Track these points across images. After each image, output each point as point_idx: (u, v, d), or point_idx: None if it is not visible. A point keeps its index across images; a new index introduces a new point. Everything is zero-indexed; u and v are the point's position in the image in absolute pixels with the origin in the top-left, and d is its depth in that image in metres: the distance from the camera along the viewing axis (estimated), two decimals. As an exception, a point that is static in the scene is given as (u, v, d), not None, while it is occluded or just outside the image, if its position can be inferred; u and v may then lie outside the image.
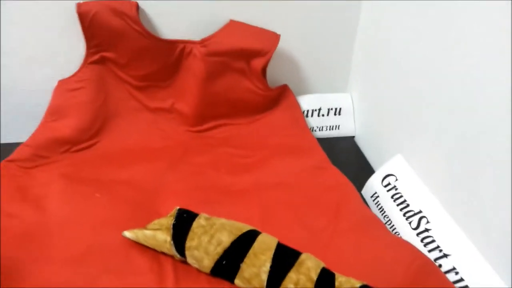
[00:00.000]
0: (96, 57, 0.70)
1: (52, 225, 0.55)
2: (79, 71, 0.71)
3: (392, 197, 0.58)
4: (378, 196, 0.60)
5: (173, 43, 0.71)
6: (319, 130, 0.79)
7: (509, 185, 0.41)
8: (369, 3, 0.71)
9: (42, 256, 0.50)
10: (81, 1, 0.66)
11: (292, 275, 0.45)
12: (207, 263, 0.48)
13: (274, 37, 0.71)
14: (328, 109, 0.79)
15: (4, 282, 0.47)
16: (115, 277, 0.49)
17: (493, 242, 0.44)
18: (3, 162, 0.64)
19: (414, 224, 0.53)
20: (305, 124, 0.76)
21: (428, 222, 0.52)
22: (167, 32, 0.72)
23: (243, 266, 0.46)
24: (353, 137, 0.81)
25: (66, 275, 0.48)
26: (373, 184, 0.62)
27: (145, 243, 0.51)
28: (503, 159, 0.41)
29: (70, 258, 0.51)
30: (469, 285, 0.44)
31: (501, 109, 0.41)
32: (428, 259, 0.48)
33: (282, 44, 0.72)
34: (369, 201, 0.63)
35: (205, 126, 0.76)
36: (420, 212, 0.53)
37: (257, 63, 0.71)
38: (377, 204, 0.60)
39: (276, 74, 0.78)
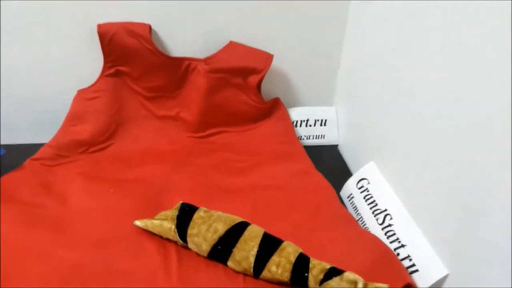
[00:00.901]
0: (112, 70, 0.80)
1: (74, 216, 0.64)
2: (96, 82, 0.80)
3: (364, 197, 0.67)
4: (353, 197, 0.70)
5: (180, 60, 0.80)
6: (307, 138, 0.89)
7: (454, 191, 0.50)
8: (353, 26, 0.81)
9: (67, 241, 0.59)
10: (102, 23, 0.76)
11: (275, 258, 0.54)
12: (205, 248, 0.57)
13: (268, 57, 0.80)
14: (315, 120, 0.89)
15: (33, 265, 0.55)
16: (129, 258, 0.57)
17: (440, 236, 0.53)
18: (28, 160, 0.73)
19: (380, 220, 0.62)
20: (294, 133, 0.85)
21: (391, 218, 0.61)
22: (175, 50, 0.82)
23: (235, 250, 0.56)
24: (337, 145, 0.90)
25: (90, 257, 0.57)
26: (349, 186, 0.72)
27: (153, 231, 0.60)
28: (450, 169, 0.51)
29: (91, 243, 0.59)
30: (419, 269, 0.54)
31: (468, 127, 0.47)
32: (388, 248, 0.57)
33: (275, 62, 0.82)
34: (346, 201, 0.72)
35: (206, 132, 0.85)
36: (385, 210, 0.62)
37: (253, 79, 0.80)
38: (352, 204, 0.70)
39: (269, 88, 0.88)
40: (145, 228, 0.61)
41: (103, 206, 0.66)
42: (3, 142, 0.70)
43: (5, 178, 0.68)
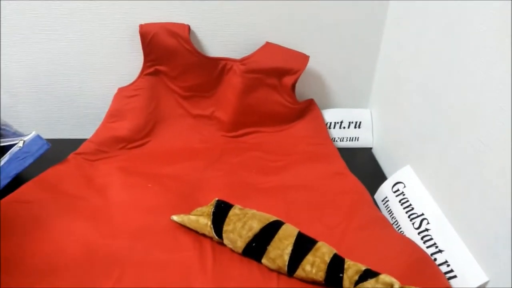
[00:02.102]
0: (151, 69, 0.82)
1: (113, 208, 0.66)
2: (136, 80, 0.83)
3: (399, 201, 0.66)
4: (388, 200, 0.69)
5: (216, 60, 0.82)
6: (340, 140, 0.88)
7: (492, 195, 0.49)
8: (391, 29, 0.80)
9: (107, 231, 0.62)
10: (143, 23, 0.78)
11: (309, 257, 0.54)
12: (240, 245, 0.58)
13: (304, 58, 0.81)
14: (349, 122, 0.88)
15: (75, 252, 0.58)
16: (165, 251, 0.59)
17: (480, 241, 0.52)
18: (72, 154, 0.76)
19: (416, 225, 0.61)
20: (327, 135, 0.85)
21: (428, 223, 0.60)
22: (212, 50, 0.84)
23: (269, 248, 0.56)
24: (371, 148, 0.89)
25: (127, 247, 0.59)
26: (384, 190, 0.71)
27: (189, 226, 0.62)
28: (491, 177, 0.50)
29: (128, 235, 0.61)
30: (457, 275, 0.52)
31: (504, 132, 0.47)
32: (425, 253, 0.56)
33: (310, 63, 0.82)
34: (380, 204, 0.71)
35: (240, 132, 0.86)
36: (422, 214, 0.61)
37: (288, 80, 0.81)
38: (386, 207, 0.69)
39: (304, 89, 0.88)
40: (181, 223, 0.62)
41: (141, 200, 0.68)
42: (47, 137, 0.73)
43: (51, 170, 0.71)
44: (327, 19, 0.81)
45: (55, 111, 0.87)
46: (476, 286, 0.50)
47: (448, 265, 0.54)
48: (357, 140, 0.88)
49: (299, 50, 0.82)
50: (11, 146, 0.70)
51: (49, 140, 0.73)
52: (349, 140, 0.88)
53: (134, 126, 0.82)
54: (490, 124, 0.50)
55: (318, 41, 0.83)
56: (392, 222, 0.66)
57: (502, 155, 0.48)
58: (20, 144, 0.70)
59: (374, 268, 0.53)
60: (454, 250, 0.54)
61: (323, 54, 0.85)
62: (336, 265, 0.53)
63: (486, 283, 0.49)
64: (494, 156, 0.49)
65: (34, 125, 0.87)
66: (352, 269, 0.53)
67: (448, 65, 0.59)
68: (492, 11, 0.50)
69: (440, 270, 0.54)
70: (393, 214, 0.67)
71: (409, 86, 0.73)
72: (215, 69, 0.82)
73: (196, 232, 0.62)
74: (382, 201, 0.71)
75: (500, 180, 0.48)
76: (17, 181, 0.68)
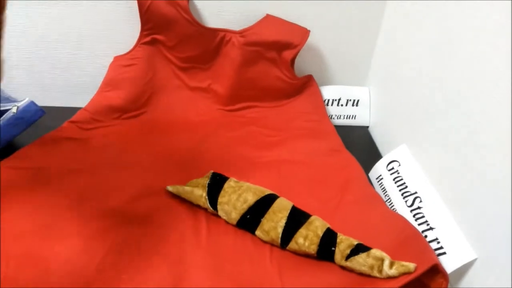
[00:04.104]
0: (148, 38, 0.80)
1: (109, 177, 0.66)
2: (132, 49, 0.81)
3: (394, 179, 0.67)
4: (382, 178, 0.70)
5: (215, 31, 0.80)
6: (337, 118, 0.88)
7: (484, 176, 0.50)
8: (392, 7, 0.79)
9: (104, 197, 0.62)
10: (141, -10, 0.76)
11: (302, 231, 0.55)
12: (234, 216, 0.58)
13: (304, 33, 0.79)
14: (347, 100, 0.88)
15: (68, 220, 0.58)
16: (159, 221, 0.59)
17: (470, 220, 0.53)
18: (66, 122, 0.75)
19: (409, 203, 0.62)
20: (325, 112, 0.85)
21: (421, 201, 0.61)
22: (212, 21, 0.82)
23: (264, 220, 0.57)
24: (367, 127, 0.89)
25: (121, 217, 0.59)
26: (379, 168, 0.71)
27: (184, 197, 0.62)
28: (489, 157, 0.50)
29: (123, 204, 0.62)
30: (446, 252, 0.53)
31: (499, 114, 0.48)
32: (416, 230, 0.57)
33: (310, 39, 0.81)
34: (375, 182, 0.72)
35: (237, 106, 0.85)
36: (415, 193, 0.62)
37: (287, 54, 0.80)
38: (380, 185, 0.69)
39: (303, 65, 0.87)
40: (176, 193, 0.63)
41: (135, 170, 0.68)
42: (41, 104, 0.72)
43: (46, 136, 0.70)
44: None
45: (49, 77, 0.86)
46: (464, 263, 0.51)
47: (438, 242, 0.55)
48: (354, 118, 0.88)
49: (300, 25, 0.80)
50: (4, 112, 0.69)
51: (42, 107, 0.72)
52: (347, 118, 0.88)
53: (129, 96, 0.81)
54: (486, 104, 0.50)
55: (318, 16, 0.82)
56: (385, 200, 0.67)
57: (497, 135, 0.48)
58: (14, 110, 0.69)
59: (365, 243, 0.54)
60: (444, 228, 0.55)
61: (323, 30, 0.84)
62: (328, 239, 0.54)
63: (474, 260, 0.51)
64: (489, 136, 0.49)
65: (27, 92, 0.86)
66: (344, 243, 0.53)
67: (448, 45, 0.59)
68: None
69: (430, 247, 0.54)
70: (386, 192, 0.67)
71: (408, 65, 0.72)
72: (213, 40, 0.81)
73: (191, 203, 0.62)
74: (377, 179, 0.71)
75: (495, 160, 0.48)
76: (11, 148, 0.67)
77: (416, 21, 0.69)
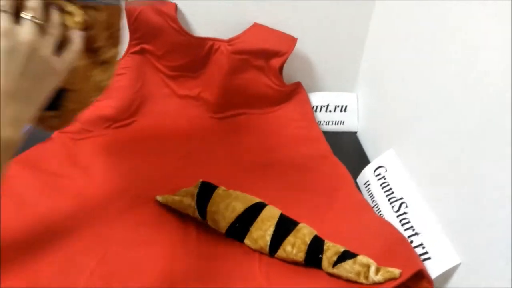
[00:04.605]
0: (137, 48, 0.81)
1: (97, 188, 0.67)
2: (121, 59, 0.81)
3: (381, 185, 0.68)
4: (369, 184, 0.71)
5: (203, 40, 0.81)
6: (326, 124, 0.89)
7: (470, 182, 0.51)
8: (379, 13, 0.80)
9: (91, 212, 0.62)
10: (129, 0, 0.77)
11: (290, 238, 0.56)
12: (223, 225, 0.59)
13: (291, 40, 0.80)
14: (335, 106, 0.89)
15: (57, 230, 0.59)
16: (148, 231, 0.60)
17: (455, 225, 0.54)
18: (56, 133, 0.76)
19: (395, 208, 0.63)
20: (313, 118, 0.85)
21: (407, 206, 0.62)
22: (200, 30, 0.82)
23: (252, 229, 0.58)
24: (356, 132, 0.90)
25: (111, 227, 0.60)
26: (367, 173, 0.72)
27: (173, 206, 0.62)
28: (472, 164, 0.51)
29: (112, 214, 0.62)
30: (431, 257, 0.54)
31: (487, 119, 0.48)
32: (402, 236, 0.58)
33: (298, 46, 0.81)
34: (362, 188, 0.73)
35: (226, 113, 0.86)
36: (401, 198, 0.63)
37: (275, 62, 0.81)
38: (368, 191, 0.70)
39: (291, 72, 0.87)
40: (165, 203, 0.63)
41: (125, 180, 0.68)
42: (31, 114, 0.72)
43: (34, 149, 0.70)
44: (316, 1, 0.80)
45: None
46: (448, 267, 0.52)
47: (424, 247, 0.56)
48: (343, 123, 0.89)
49: (288, 32, 0.81)
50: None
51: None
52: (335, 124, 0.89)
53: (119, 105, 0.81)
54: (474, 109, 0.51)
55: (306, 24, 0.83)
56: (372, 205, 0.68)
57: (481, 142, 0.49)
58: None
59: (352, 249, 0.55)
60: (429, 233, 0.56)
61: (311, 37, 0.84)
62: (315, 246, 0.55)
63: (458, 265, 0.52)
64: (475, 142, 0.50)
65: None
66: (331, 250, 0.54)
67: (435, 52, 0.59)
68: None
69: (415, 252, 0.55)
70: (374, 197, 0.68)
71: (395, 71, 0.73)
72: (202, 49, 0.81)
73: (180, 212, 0.63)
74: (364, 184, 0.72)
75: (480, 166, 0.49)
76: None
77: (404, 26, 0.70)
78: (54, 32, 0.40)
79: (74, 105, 0.47)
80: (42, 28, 0.39)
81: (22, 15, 0.38)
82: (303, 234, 0.56)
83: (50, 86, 0.41)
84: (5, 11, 0.37)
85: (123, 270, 0.54)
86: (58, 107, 0.46)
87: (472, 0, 0.50)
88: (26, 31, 0.37)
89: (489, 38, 0.48)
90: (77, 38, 0.43)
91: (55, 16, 0.41)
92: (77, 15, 0.43)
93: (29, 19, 0.38)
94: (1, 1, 0.37)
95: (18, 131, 0.37)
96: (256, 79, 0.83)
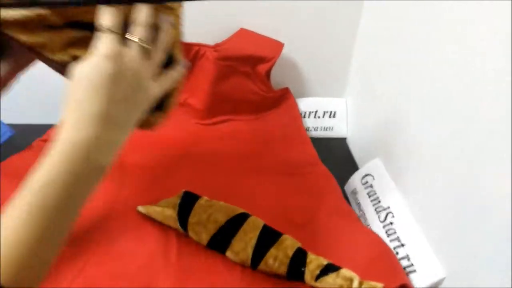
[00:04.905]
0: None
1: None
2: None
3: (368, 193, 0.67)
4: (357, 192, 0.69)
5: (189, 46, 0.80)
6: (314, 130, 0.88)
7: (455, 194, 0.49)
8: (368, 17, 0.79)
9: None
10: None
11: (272, 251, 0.54)
12: (205, 237, 0.57)
13: (278, 46, 0.79)
14: (324, 112, 0.87)
15: None
16: (129, 242, 0.58)
17: (440, 237, 0.52)
18: (36, 141, 0.74)
19: (382, 218, 0.62)
20: (301, 124, 0.84)
21: (393, 216, 0.60)
22: (185, 35, 0.81)
23: (234, 241, 0.56)
24: (345, 138, 0.89)
25: (91, 237, 0.58)
26: (354, 182, 0.71)
27: (155, 217, 0.61)
28: (460, 172, 0.50)
29: (93, 224, 0.61)
30: (416, 270, 0.53)
31: (474, 130, 0.46)
32: (387, 247, 0.57)
33: (285, 51, 0.80)
34: (350, 196, 0.71)
35: (214, 120, 0.85)
36: (388, 208, 0.62)
37: (262, 68, 0.80)
38: (355, 199, 0.69)
39: (279, 77, 0.87)
40: (147, 214, 0.62)
41: (107, 189, 0.67)
42: (12, 122, 0.71)
43: (14, 157, 0.69)
44: (302, 4, 0.79)
45: (20, 95, 0.84)
46: (433, 281, 0.51)
47: (409, 260, 0.55)
48: (332, 130, 0.88)
49: (274, 37, 0.80)
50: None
51: (14, 126, 0.71)
52: (324, 130, 0.88)
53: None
54: (458, 119, 0.50)
55: (293, 28, 0.81)
56: (359, 214, 0.66)
57: (467, 152, 0.47)
58: (-18, 130, 0.68)
59: (337, 260, 0.54)
60: (415, 245, 0.55)
61: (299, 42, 0.83)
62: (298, 259, 0.54)
63: (442, 279, 0.50)
64: (458, 152, 0.49)
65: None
66: (313, 263, 0.53)
67: (427, 56, 0.58)
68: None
69: (400, 266, 0.54)
70: (361, 206, 0.67)
71: (384, 77, 0.72)
72: (187, 54, 0.80)
73: (163, 223, 0.61)
74: (351, 192, 0.71)
75: (464, 177, 0.48)
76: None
77: (393, 31, 0.69)
78: (158, 56, 0.39)
79: (175, 99, 0.47)
80: (147, 51, 0.38)
81: (129, 37, 0.37)
82: (285, 247, 0.55)
83: (143, 110, 0.39)
84: (113, 32, 0.35)
85: (102, 283, 0.52)
86: (163, 106, 0.45)
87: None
88: (132, 55, 0.36)
89: (487, 46, 0.45)
90: (180, 66, 0.43)
91: (162, 36, 0.40)
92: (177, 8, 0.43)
93: (136, 42, 0.36)
94: (110, 21, 0.35)
95: (110, 156, 0.37)
96: (243, 85, 0.81)
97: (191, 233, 0.59)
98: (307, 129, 0.86)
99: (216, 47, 0.79)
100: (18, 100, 0.84)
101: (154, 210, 0.61)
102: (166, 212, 0.60)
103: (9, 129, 0.69)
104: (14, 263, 0.32)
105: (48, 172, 0.33)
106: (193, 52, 0.80)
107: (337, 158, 0.84)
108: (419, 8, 0.59)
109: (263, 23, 0.80)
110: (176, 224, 0.59)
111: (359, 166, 0.80)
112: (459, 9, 0.49)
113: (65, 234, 0.36)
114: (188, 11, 0.78)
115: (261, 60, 0.79)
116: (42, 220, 0.33)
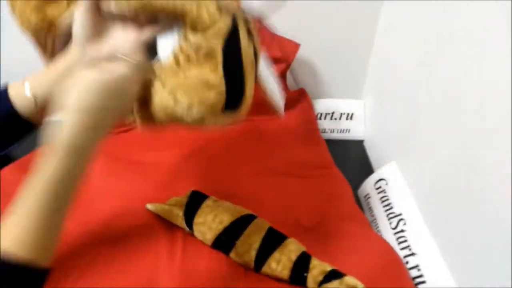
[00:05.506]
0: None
1: (90, 194, 0.67)
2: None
3: (380, 199, 0.64)
4: (369, 197, 0.67)
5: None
6: (331, 132, 0.86)
7: (472, 204, 0.47)
8: (386, 18, 0.76)
9: (81, 218, 0.62)
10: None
11: (276, 255, 0.54)
12: (210, 237, 0.57)
13: (294, 46, 0.78)
14: (341, 114, 0.85)
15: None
16: (136, 240, 0.59)
17: (453, 248, 0.50)
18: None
19: (393, 225, 0.59)
20: (316, 127, 0.83)
21: (405, 224, 0.58)
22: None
23: (238, 243, 0.56)
24: (362, 141, 0.86)
25: (99, 234, 0.60)
26: (367, 186, 0.69)
27: (163, 216, 0.62)
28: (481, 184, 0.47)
29: (103, 221, 0.62)
30: (426, 281, 0.51)
31: (493, 134, 0.44)
32: (397, 256, 0.54)
33: (303, 51, 0.79)
34: (363, 200, 0.69)
35: (228, 120, 0.85)
36: (400, 214, 0.59)
37: (277, 68, 0.79)
38: (367, 204, 0.67)
39: (296, 78, 0.86)
40: (155, 212, 0.62)
41: (119, 187, 0.68)
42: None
43: (32, 154, 0.71)
44: (320, 6, 0.77)
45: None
46: (442, 294, 0.48)
47: (419, 270, 0.52)
48: (349, 132, 0.86)
49: (291, 37, 0.79)
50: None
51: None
52: (340, 132, 0.86)
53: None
54: (477, 126, 0.47)
55: (311, 28, 0.80)
56: (370, 220, 0.64)
57: (485, 160, 0.45)
58: None
59: (343, 266, 0.53)
60: (426, 255, 0.53)
61: (317, 42, 0.82)
62: (301, 263, 0.53)
63: (453, 291, 0.48)
64: (477, 162, 0.46)
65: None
66: (317, 268, 0.52)
67: (445, 59, 0.55)
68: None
69: (408, 276, 0.52)
70: (373, 211, 0.65)
71: (404, 79, 0.69)
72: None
73: (170, 222, 0.61)
74: (365, 197, 0.69)
75: (483, 190, 0.45)
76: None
77: (413, 32, 0.66)
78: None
79: (248, 99, 0.48)
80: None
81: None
82: (289, 251, 0.54)
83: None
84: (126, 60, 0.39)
85: (104, 280, 0.53)
86: (238, 104, 0.45)
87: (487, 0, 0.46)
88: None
89: (502, 48, 0.43)
90: None
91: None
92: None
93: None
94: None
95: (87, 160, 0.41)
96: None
97: (196, 233, 0.59)
98: (323, 131, 0.85)
99: (231, 47, 0.79)
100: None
101: (162, 209, 0.62)
102: (174, 211, 0.60)
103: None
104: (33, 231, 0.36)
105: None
106: (209, 52, 0.80)
107: (353, 160, 0.82)
108: (439, 8, 0.57)
109: (279, 24, 0.79)
110: (182, 224, 0.59)
111: (375, 169, 0.77)
112: (478, 11, 0.46)
113: (70, 204, 0.40)
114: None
115: (277, 60, 0.78)
116: (52, 193, 0.37)
